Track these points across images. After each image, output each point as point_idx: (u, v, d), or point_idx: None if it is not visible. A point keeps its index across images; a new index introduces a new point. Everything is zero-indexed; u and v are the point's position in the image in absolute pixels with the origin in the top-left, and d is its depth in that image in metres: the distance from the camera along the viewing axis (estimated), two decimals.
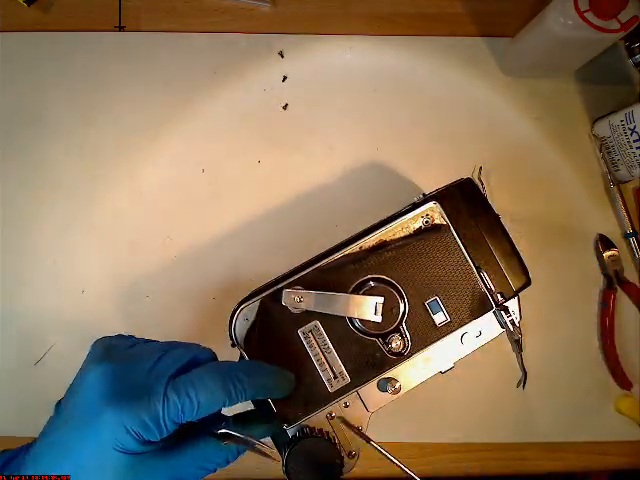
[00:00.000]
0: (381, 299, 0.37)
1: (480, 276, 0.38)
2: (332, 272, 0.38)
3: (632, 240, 0.55)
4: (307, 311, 0.37)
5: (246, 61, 0.57)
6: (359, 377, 0.37)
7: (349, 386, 0.37)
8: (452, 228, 0.39)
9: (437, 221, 0.39)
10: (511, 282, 0.39)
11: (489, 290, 0.38)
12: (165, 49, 0.57)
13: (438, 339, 0.38)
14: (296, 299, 0.36)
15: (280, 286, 0.37)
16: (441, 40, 0.58)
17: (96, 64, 0.57)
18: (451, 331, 0.38)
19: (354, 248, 0.38)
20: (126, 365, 0.31)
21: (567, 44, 0.50)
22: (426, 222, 0.39)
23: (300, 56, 0.58)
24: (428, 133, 0.57)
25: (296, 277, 0.38)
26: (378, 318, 0.37)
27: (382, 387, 0.38)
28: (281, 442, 0.38)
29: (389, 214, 0.41)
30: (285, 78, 0.57)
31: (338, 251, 0.38)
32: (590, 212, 0.57)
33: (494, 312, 0.39)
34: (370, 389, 0.38)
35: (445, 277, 0.38)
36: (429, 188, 0.51)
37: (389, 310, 0.37)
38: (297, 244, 0.54)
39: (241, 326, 0.38)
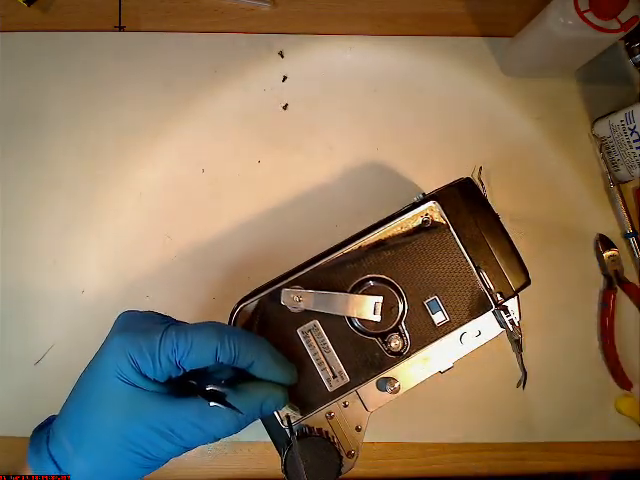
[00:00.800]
0: (380, 299, 0.37)
1: (479, 276, 0.38)
2: (331, 271, 0.38)
3: (632, 240, 0.55)
4: (306, 310, 0.37)
5: (246, 61, 0.57)
6: (358, 376, 0.37)
7: (348, 386, 0.37)
8: (451, 228, 0.39)
9: (436, 221, 0.39)
10: (510, 282, 0.39)
11: (488, 290, 0.38)
12: (165, 49, 0.57)
13: (437, 339, 0.38)
14: (295, 298, 0.36)
15: (279, 285, 0.37)
16: (441, 40, 0.58)
17: (96, 64, 0.57)
18: (450, 331, 0.38)
19: (353, 248, 0.38)
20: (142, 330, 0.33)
21: (567, 44, 0.50)
22: (425, 222, 0.39)
23: (300, 56, 0.58)
24: (428, 133, 0.57)
25: (295, 276, 0.38)
26: (377, 318, 0.37)
27: (381, 387, 0.38)
28: (281, 442, 0.38)
29: (389, 214, 0.41)
30: (285, 78, 0.57)
31: (337, 251, 0.38)
32: (590, 212, 0.57)
33: (493, 312, 0.39)
34: (369, 389, 0.38)
35: (444, 277, 0.38)
36: (429, 188, 0.51)
37: (388, 310, 0.37)
38: (297, 244, 0.54)
39: (240, 326, 0.38)
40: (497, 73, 0.58)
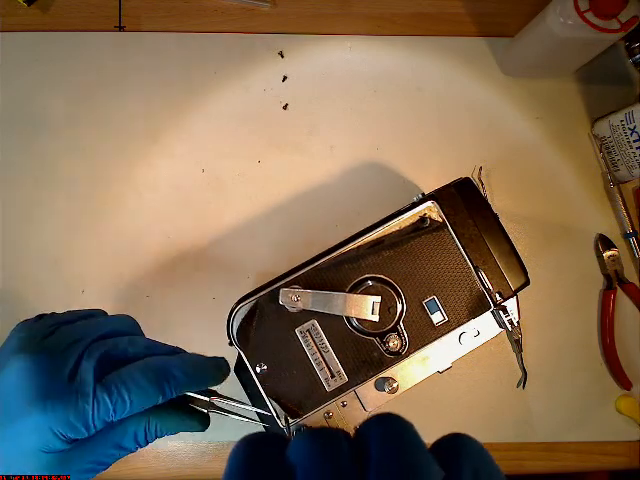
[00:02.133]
0: (378, 298, 0.37)
1: (478, 275, 0.38)
2: (330, 271, 0.38)
3: (632, 240, 0.55)
4: (305, 310, 0.37)
5: (246, 61, 0.57)
6: (357, 376, 0.37)
7: (347, 385, 0.37)
8: (450, 227, 0.39)
9: (435, 220, 0.39)
10: (510, 282, 0.39)
11: (487, 290, 0.38)
12: (165, 49, 0.57)
13: (436, 338, 0.38)
14: (293, 298, 0.36)
15: (278, 285, 0.37)
16: (441, 40, 0.58)
17: (96, 64, 0.57)
18: (449, 331, 0.38)
19: (352, 247, 0.38)
20: (47, 357, 0.29)
21: (567, 44, 0.50)
22: (424, 221, 0.39)
23: (300, 56, 0.58)
24: (428, 133, 0.57)
25: (294, 276, 0.38)
26: (375, 317, 0.37)
27: (379, 386, 0.38)
28: None
29: (388, 214, 0.41)
30: (285, 78, 0.57)
31: (336, 250, 0.38)
32: (590, 212, 0.57)
33: (492, 312, 0.39)
34: (368, 388, 0.38)
35: (443, 276, 0.38)
36: (429, 188, 0.51)
37: (386, 309, 0.37)
38: (297, 244, 0.54)
39: (239, 325, 0.38)
40: (497, 73, 0.58)
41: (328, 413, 0.38)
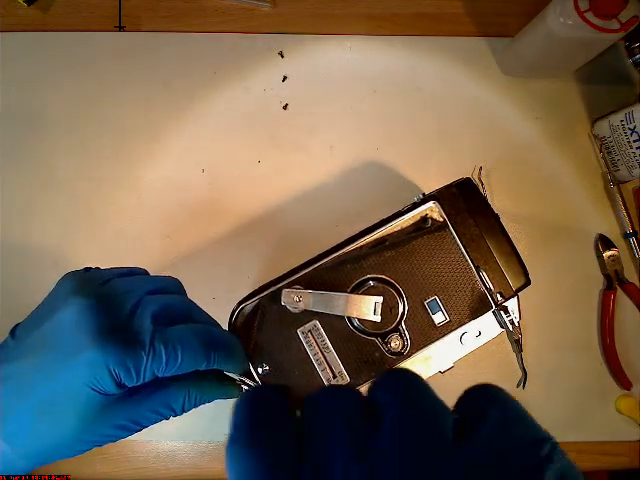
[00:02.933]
0: (380, 299, 0.37)
1: (479, 276, 0.38)
2: (331, 272, 0.38)
3: (632, 240, 0.55)
4: (306, 311, 0.37)
5: (246, 61, 0.57)
6: (359, 377, 0.37)
7: (348, 386, 0.37)
8: (451, 228, 0.39)
9: (436, 221, 0.39)
10: (510, 282, 0.39)
11: (488, 290, 0.38)
12: (165, 49, 0.57)
13: (437, 339, 0.38)
14: (295, 298, 0.36)
15: (279, 286, 0.37)
16: (441, 40, 0.58)
17: (96, 64, 0.57)
18: (450, 331, 0.38)
19: (353, 248, 0.38)
20: (105, 299, 0.30)
21: (567, 44, 0.50)
22: (425, 222, 0.39)
23: (300, 56, 0.58)
24: (428, 133, 0.57)
25: (295, 277, 0.38)
26: (377, 318, 0.37)
27: None
28: None
29: (389, 214, 0.41)
30: (285, 78, 0.57)
31: (337, 251, 0.38)
32: (590, 212, 0.57)
33: (493, 312, 0.39)
34: None
35: (444, 277, 0.38)
36: (429, 188, 0.51)
37: (388, 310, 0.37)
38: (297, 244, 0.54)
39: (240, 326, 0.38)
40: (497, 73, 0.58)
41: None
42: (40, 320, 0.31)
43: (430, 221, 0.39)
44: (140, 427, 0.32)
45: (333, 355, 0.37)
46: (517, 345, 0.49)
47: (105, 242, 0.55)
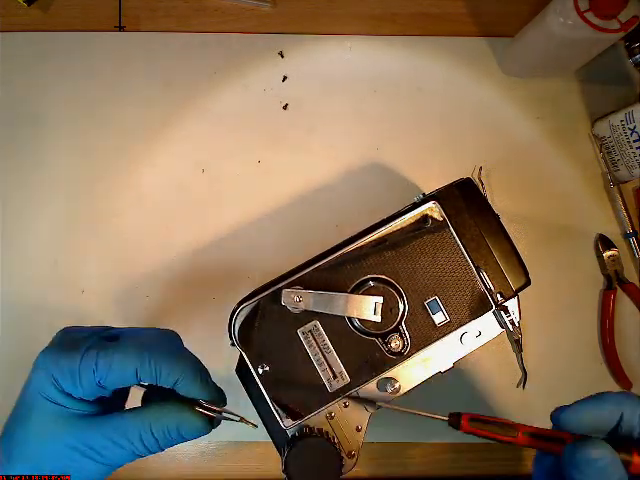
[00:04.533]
0: (380, 299, 0.37)
1: (479, 276, 0.38)
2: (331, 272, 0.38)
3: (632, 240, 0.55)
4: (306, 311, 0.37)
5: (246, 61, 0.57)
6: (359, 377, 0.37)
7: (349, 386, 0.37)
8: (451, 228, 0.39)
9: (437, 221, 0.39)
10: (511, 282, 0.39)
11: (489, 290, 0.38)
12: (165, 49, 0.57)
13: (438, 339, 0.38)
14: (295, 299, 0.36)
15: (280, 286, 0.37)
16: (441, 40, 0.58)
17: (96, 64, 0.57)
18: (451, 331, 0.38)
19: (353, 248, 0.38)
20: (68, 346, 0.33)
21: (567, 44, 0.50)
22: (425, 222, 0.39)
23: (300, 56, 0.58)
24: (428, 133, 0.57)
25: (295, 277, 0.38)
26: (377, 318, 0.37)
27: (382, 387, 0.38)
28: (281, 442, 0.38)
29: (389, 214, 0.41)
30: (285, 78, 0.57)
31: (338, 251, 0.38)
32: (590, 212, 0.57)
33: (494, 312, 0.39)
34: (370, 389, 0.38)
35: (444, 277, 0.38)
36: (429, 188, 0.51)
37: (388, 310, 0.37)
38: (297, 244, 0.54)
39: (240, 326, 0.38)
40: (497, 73, 0.58)
41: (330, 414, 0.38)
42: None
43: (430, 221, 0.39)
44: (98, 456, 0.32)
45: (333, 355, 0.37)
46: (517, 345, 0.49)
47: (105, 242, 0.55)
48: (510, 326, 0.39)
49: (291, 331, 0.37)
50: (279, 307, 0.37)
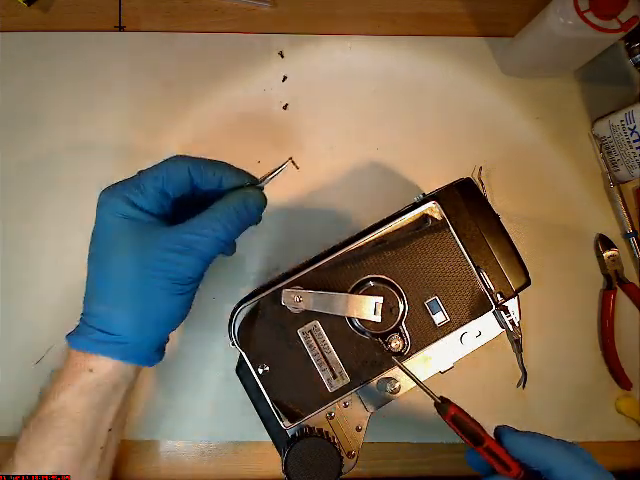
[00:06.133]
0: (380, 299, 0.37)
1: (480, 276, 0.38)
2: (331, 272, 0.38)
3: (632, 240, 0.55)
4: (307, 311, 0.37)
5: (246, 61, 0.57)
6: (359, 377, 0.37)
7: (349, 386, 0.37)
8: (452, 228, 0.39)
9: (437, 221, 0.39)
10: (510, 282, 0.39)
11: (489, 290, 0.38)
12: (165, 49, 0.57)
13: (438, 339, 0.38)
14: (295, 299, 0.36)
15: (280, 286, 0.37)
16: (441, 40, 0.58)
17: (96, 64, 0.57)
18: (451, 331, 0.38)
19: (353, 248, 0.38)
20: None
21: (567, 44, 0.50)
22: (425, 222, 0.39)
23: (300, 56, 0.58)
24: (428, 133, 0.57)
25: (296, 277, 0.38)
26: (377, 318, 0.37)
27: (381, 387, 0.38)
28: (281, 442, 0.38)
29: (389, 214, 0.41)
30: (285, 78, 0.57)
31: (337, 251, 0.38)
32: (590, 212, 0.57)
33: (493, 312, 0.39)
34: (370, 389, 0.38)
35: (445, 277, 0.38)
36: (429, 188, 0.51)
37: (388, 310, 0.37)
38: (297, 244, 0.54)
39: (240, 326, 0.38)
40: (497, 73, 0.58)
41: (330, 414, 0.38)
42: None
43: (430, 221, 0.39)
44: (197, 252, 0.36)
45: (334, 355, 0.37)
46: (517, 345, 0.49)
47: None
48: (510, 326, 0.39)
49: (291, 331, 0.37)
50: (279, 307, 0.37)
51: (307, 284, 0.37)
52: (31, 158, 0.55)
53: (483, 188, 0.56)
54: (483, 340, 0.39)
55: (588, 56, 0.54)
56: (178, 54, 0.57)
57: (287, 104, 0.57)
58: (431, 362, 0.39)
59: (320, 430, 0.36)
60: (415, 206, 0.39)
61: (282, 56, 0.58)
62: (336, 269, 0.38)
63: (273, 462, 0.53)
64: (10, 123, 0.56)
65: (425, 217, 0.39)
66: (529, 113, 0.58)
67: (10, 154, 0.55)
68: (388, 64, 0.58)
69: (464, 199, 0.40)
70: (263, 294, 0.38)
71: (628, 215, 0.55)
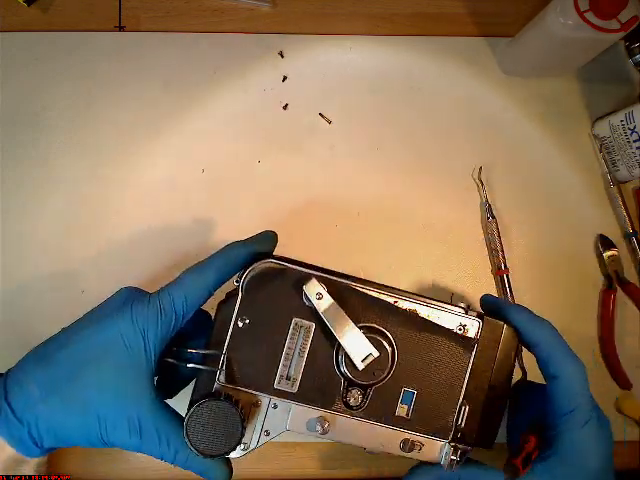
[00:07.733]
0: (376, 354, 0.36)
1: (460, 408, 0.38)
2: (355, 298, 0.37)
3: (632, 240, 0.55)
4: (314, 310, 0.36)
5: (246, 61, 0.57)
6: (304, 396, 0.36)
7: (291, 396, 0.36)
8: (473, 356, 0.37)
9: (467, 337, 0.38)
10: (477, 435, 0.37)
11: (457, 425, 0.37)
12: (165, 49, 0.57)
13: (385, 425, 0.37)
14: (316, 294, 0.35)
15: (315, 273, 0.36)
16: (441, 40, 0.58)
17: (96, 64, 0.57)
18: (401, 429, 0.37)
19: (389, 298, 0.37)
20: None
21: (567, 44, 0.50)
22: (460, 329, 0.38)
23: (300, 56, 0.58)
24: (428, 133, 0.57)
25: (330, 277, 0.37)
26: (360, 366, 0.36)
27: (313, 421, 0.37)
28: (199, 389, 0.37)
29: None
30: (285, 78, 0.57)
31: (373, 288, 0.37)
32: (590, 212, 0.57)
33: (446, 444, 0.38)
34: (303, 413, 0.37)
35: (435, 383, 0.37)
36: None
37: (374, 368, 0.36)
38: (297, 244, 0.54)
39: (253, 277, 0.37)
40: (497, 73, 0.58)
41: (257, 402, 0.37)
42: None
43: (464, 332, 0.38)
44: (138, 439, 0.35)
45: (302, 362, 0.36)
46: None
47: (105, 241, 0.55)
48: (448, 468, 0.37)
49: (289, 314, 0.37)
50: (296, 288, 0.36)
51: (331, 290, 0.36)
52: (31, 158, 0.55)
53: (483, 188, 0.56)
54: (417, 455, 0.38)
55: (588, 56, 0.54)
56: (178, 54, 0.57)
57: (287, 104, 0.57)
58: (363, 434, 0.37)
59: (237, 402, 0.35)
60: (465, 313, 0.38)
61: (282, 56, 0.58)
62: (361, 299, 0.37)
63: (273, 462, 0.53)
64: (10, 123, 0.56)
65: (462, 325, 0.38)
66: (529, 113, 0.58)
67: (10, 154, 0.55)
68: (388, 64, 0.58)
69: (500, 343, 0.39)
70: (295, 266, 0.37)
71: (628, 215, 0.55)
